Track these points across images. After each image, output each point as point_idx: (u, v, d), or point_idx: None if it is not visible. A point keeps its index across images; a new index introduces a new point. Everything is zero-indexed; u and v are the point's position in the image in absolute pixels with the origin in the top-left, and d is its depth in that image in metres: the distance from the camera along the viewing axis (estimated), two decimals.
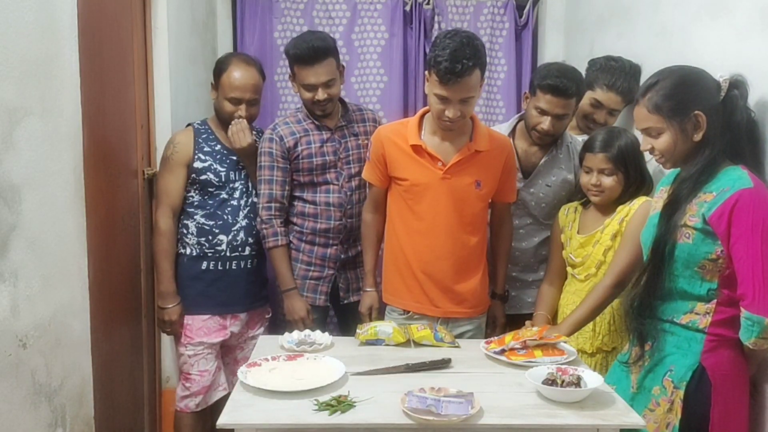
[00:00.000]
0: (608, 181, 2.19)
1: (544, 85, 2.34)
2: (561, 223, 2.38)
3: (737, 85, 1.74)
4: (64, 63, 1.90)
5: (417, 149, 2.25)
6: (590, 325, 2.20)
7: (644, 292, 1.81)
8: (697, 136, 1.73)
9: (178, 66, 2.79)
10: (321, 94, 2.46)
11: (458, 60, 2.05)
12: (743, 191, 1.63)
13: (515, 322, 2.49)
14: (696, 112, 1.72)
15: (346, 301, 2.68)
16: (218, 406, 2.55)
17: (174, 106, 2.75)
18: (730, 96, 1.72)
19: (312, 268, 2.62)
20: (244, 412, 1.66)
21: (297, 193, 2.59)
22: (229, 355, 2.66)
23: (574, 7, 3.36)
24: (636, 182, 2.21)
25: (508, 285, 2.61)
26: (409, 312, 2.36)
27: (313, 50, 2.42)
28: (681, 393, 1.72)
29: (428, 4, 3.50)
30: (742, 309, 1.63)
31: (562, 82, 2.31)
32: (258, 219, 2.55)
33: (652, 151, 1.81)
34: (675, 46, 2.28)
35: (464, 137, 2.27)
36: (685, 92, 1.74)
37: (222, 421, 1.62)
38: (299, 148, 2.52)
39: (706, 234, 1.69)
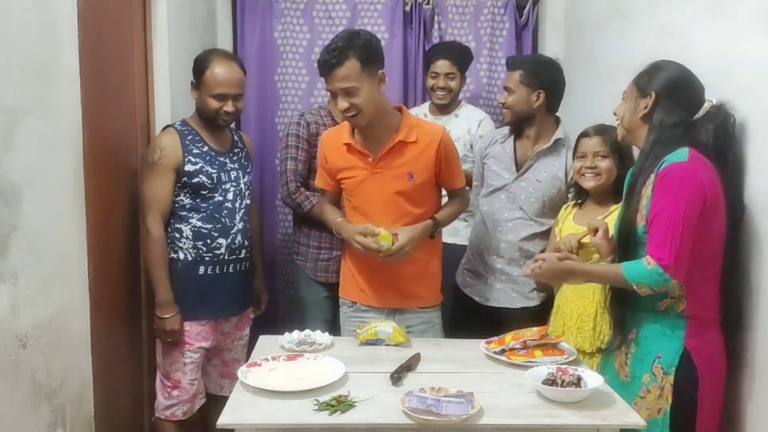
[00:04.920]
0: (604, 163, 2.23)
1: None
2: (558, 218, 2.43)
3: (716, 113, 1.82)
4: (64, 63, 1.90)
5: (348, 147, 2.29)
6: (590, 323, 2.21)
7: None
8: (640, 113, 1.87)
9: (178, 66, 2.79)
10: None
11: (328, 51, 2.13)
12: (675, 164, 1.73)
13: (500, 315, 2.59)
14: (652, 92, 1.84)
15: None
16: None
17: (174, 106, 2.75)
18: (703, 118, 1.82)
19: (322, 251, 2.83)
20: (244, 412, 1.66)
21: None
22: (217, 356, 2.61)
23: (574, 7, 3.36)
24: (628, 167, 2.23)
25: (494, 277, 2.65)
26: (356, 304, 2.38)
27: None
28: (671, 378, 1.78)
29: (428, 4, 3.50)
30: (652, 261, 1.71)
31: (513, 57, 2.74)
32: (285, 192, 2.80)
33: (617, 115, 1.96)
34: (675, 46, 2.28)
35: (391, 131, 2.27)
36: (661, 77, 1.85)
37: (222, 421, 1.61)
38: (319, 139, 2.64)
39: None
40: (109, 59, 2.33)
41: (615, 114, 1.97)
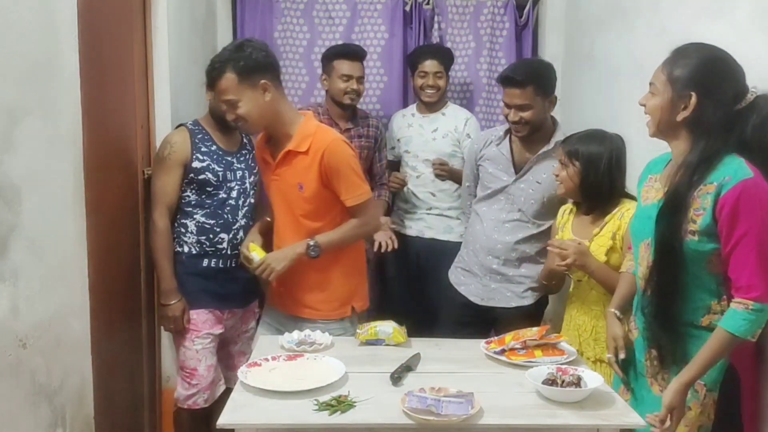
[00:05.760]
0: (563, 173, 2.28)
1: (499, 80, 2.62)
2: (557, 224, 2.42)
3: (763, 105, 1.65)
4: (63, 63, 1.90)
5: (262, 151, 2.36)
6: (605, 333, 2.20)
7: (657, 296, 1.75)
8: (680, 116, 1.69)
9: (178, 66, 2.79)
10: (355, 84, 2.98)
11: (210, 64, 2.20)
12: (746, 181, 1.59)
13: (494, 314, 2.62)
14: (692, 92, 1.66)
15: None
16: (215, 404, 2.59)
17: (174, 106, 2.76)
18: (747, 108, 1.66)
19: None
20: (244, 412, 1.66)
21: None
22: (224, 349, 2.69)
23: (574, 7, 3.36)
24: (595, 185, 2.23)
25: (489, 277, 2.66)
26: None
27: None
28: (714, 395, 1.69)
29: (428, 4, 3.50)
30: (747, 301, 1.57)
31: (512, 72, 2.54)
32: None
33: (645, 107, 1.78)
34: (675, 46, 2.28)
35: (289, 139, 2.25)
36: (698, 70, 1.67)
37: (222, 421, 1.62)
38: None
39: (711, 229, 1.64)
40: (109, 59, 2.33)
41: (642, 105, 1.79)
